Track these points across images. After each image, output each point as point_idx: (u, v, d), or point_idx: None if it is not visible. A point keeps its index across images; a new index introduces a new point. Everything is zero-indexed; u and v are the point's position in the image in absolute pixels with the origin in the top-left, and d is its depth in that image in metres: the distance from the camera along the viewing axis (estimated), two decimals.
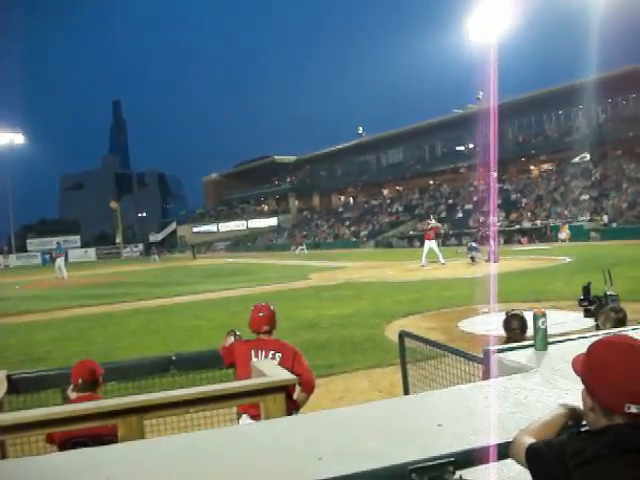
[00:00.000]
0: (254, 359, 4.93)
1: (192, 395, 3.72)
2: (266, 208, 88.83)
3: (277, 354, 5.06)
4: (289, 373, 4.08)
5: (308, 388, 5.00)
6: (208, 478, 1.93)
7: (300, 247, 51.61)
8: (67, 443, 3.79)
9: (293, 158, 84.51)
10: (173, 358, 5.16)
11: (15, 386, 4.60)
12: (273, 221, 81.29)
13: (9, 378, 4.59)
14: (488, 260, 25.89)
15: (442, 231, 38.74)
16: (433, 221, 30.57)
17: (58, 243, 50.18)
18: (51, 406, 4.27)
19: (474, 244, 28.67)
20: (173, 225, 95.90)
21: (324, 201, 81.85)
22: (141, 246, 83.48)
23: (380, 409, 2.89)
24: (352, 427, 2.50)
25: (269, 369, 4.11)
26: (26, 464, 2.44)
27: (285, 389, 3.84)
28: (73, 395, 4.28)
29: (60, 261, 38.09)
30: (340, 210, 74.88)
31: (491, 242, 26.92)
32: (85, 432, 3.64)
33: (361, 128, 76.10)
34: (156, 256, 60.09)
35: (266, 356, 5.04)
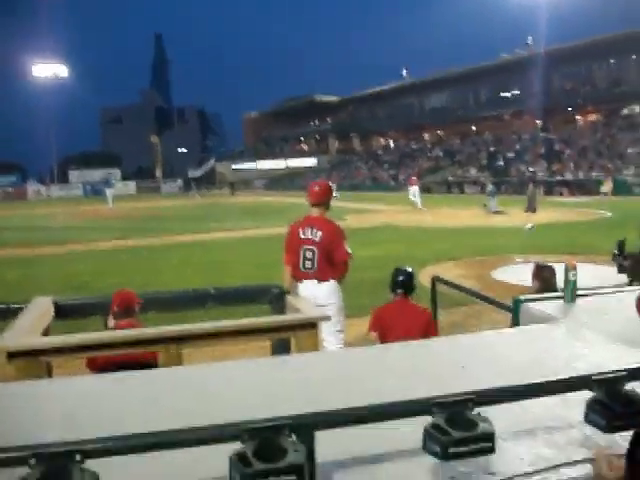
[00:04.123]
0: (300, 236, 5.87)
1: (228, 327, 3.88)
2: (305, 148, 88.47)
3: (318, 232, 5.85)
4: (321, 310, 4.20)
5: (341, 269, 5.91)
6: (241, 405, 2.06)
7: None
8: (108, 369, 3.97)
9: (335, 98, 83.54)
10: (212, 292, 5.30)
11: (61, 312, 4.81)
12: (312, 161, 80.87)
13: (56, 304, 4.80)
14: (527, 210, 25.65)
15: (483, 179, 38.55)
16: None
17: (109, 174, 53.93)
18: (92, 332, 4.45)
19: (492, 187, 28.10)
20: (212, 161, 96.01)
21: (364, 143, 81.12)
22: (180, 181, 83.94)
23: (406, 349, 3.00)
24: (378, 364, 2.62)
25: (303, 305, 4.24)
26: (67, 383, 2.59)
27: (316, 325, 3.97)
28: (111, 322, 4.47)
29: (110, 192, 41.06)
30: (380, 153, 74.21)
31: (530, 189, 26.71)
32: (126, 358, 3.81)
33: (405, 70, 74.80)
34: (196, 192, 60.46)
35: (309, 232, 5.88)
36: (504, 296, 4.75)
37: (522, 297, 3.59)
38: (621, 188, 38.80)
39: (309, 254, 5.83)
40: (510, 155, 53.03)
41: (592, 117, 56.00)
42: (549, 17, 55.90)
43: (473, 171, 52.36)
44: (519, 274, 10.30)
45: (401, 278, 5.79)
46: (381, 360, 2.75)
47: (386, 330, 5.57)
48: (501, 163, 52.00)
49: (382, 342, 5.45)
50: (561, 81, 57.14)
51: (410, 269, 5.95)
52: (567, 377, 1.78)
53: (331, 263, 5.85)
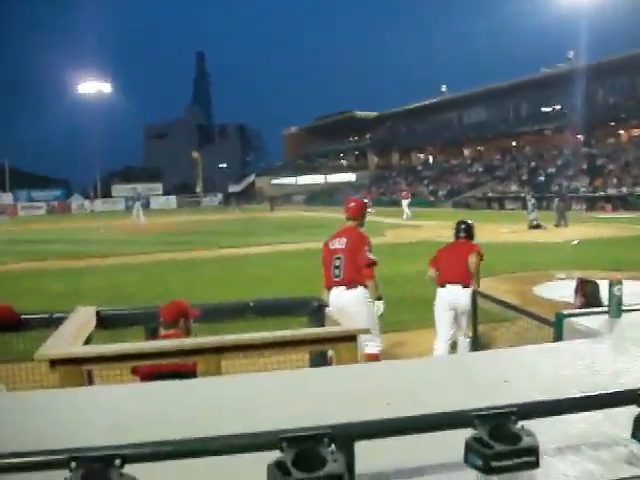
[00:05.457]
0: (330, 247, 6.35)
1: (266, 339, 3.89)
2: (345, 163, 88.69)
3: (344, 240, 6.30)
4: (362, 323, 4.21)
5: (366, 273, 6.16)
6: (280, 414, 2.06)
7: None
8: (150, 377, 4.03)
9: (374, 114, 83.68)
10: (251, 304, 5.34)
11: (103, 322, 4.89)
12: (351, 176, 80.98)
13: (98, 314, 4.88)
14: (558, 225, 25.82)
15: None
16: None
17: (134, 189, 53.40)
18: (133, 341, 4.53)
19: (533, 202, 27.66)
20: (252, 176, 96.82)
21: (403, 159, 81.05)
22: (220, 196, 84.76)
23: (448, 363, 2.97)
24: (419, 377, 2.60)
25: (343, 318, 4.24)
26: (107, 390, 2.63)
27: (355, 338, 3.96)
28: (161, 332, 4.55)
29: (137, 206, 41.13)
30: (419, 168, 74.01)
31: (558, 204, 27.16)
32: (167, 367, 3.86)
33: (444, 86, 74.66)
34: (235, 207, 60.97)
35: (337, 242, 6.34)
36: (546, 312, 4.69)
37: (565, 312, 3.54)
38: None
39: (337, 262, 6.22)
40: (551, 170, 52.41)
41: (636, 132, 55.08)
42: (590, 30, 55.36)
43: (513, 186, 51.83)
44: (561, 290, 10.12)
45: (462, 226, 7.38)
46: (422, 372, 2.72)
47: (440, 266, 7.11)
48: (542, 178, 51.38)
49: (439, 278, 7.01)
50: (604, 95, 56.35)
51: (470, 221, 7.58)
52: (612, 392, 1.74)
53: (358, 269, 6.14)
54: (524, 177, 53.55)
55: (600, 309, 3.67)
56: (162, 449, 1.41)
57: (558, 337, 3.48)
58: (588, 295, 5.15)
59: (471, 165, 65.56)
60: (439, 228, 27.68)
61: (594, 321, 3.36)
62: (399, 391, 2.36)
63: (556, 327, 3.54)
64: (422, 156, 79.37)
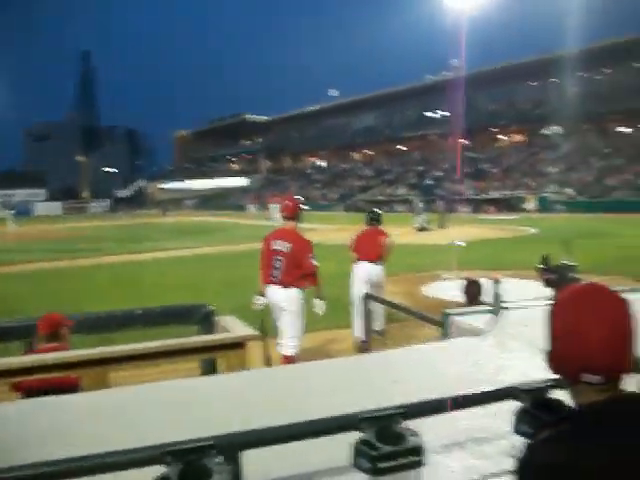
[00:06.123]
0: (272, 247, 6.58)
1: (154, 348, 3.78)
2: (236, 167, 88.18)
3: (287, 244, 6.52)
4: (250, 329, 4.17)
5: (310, 280, 6.54)
6: (166, 427, 2.00)
7: (255, 206, 48.48)
8: (32, 392, 3.83)
9: (265, 118, 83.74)
10: (139, 312, 5.18)
11: None
12: (242, 181, 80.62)
13: None
14: (441, 227, 27.14)
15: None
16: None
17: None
18: (13, 356, 4.30)
19: (421, 205, 29.33)
20: (141, 181, 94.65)
21: (295, 163, 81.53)
22: (108, 201, 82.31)
23: (339, 365, 2.98)
24: (311, 381, 2.59)
25: (232, 325, 4.18)
26: None
27: (243, 345, 3.91)
28: (40, 346, 4.33)
29: (8, 214, 39.92)
30: (310, 172, 74.64)
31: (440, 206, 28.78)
32: (50, 382, 3.68)
33: (334, 91, 75.62)
34: (124, 212, 59.38)
35: (279, 244, 6.55)
36: (434, 311, 4.80)
37: (451, 311, 3.63)
38: (544, 205, 40.15)
39: (278, 264, 6.50)
40: (438, 174, 54.19)
41: (516, 137, 57.87)
42: (473, 40, 57.51)
43: (402, 190, 53.20)
44: (448, 290, 10.46)
45: (372, 215, 9.22)
46: (311, 377, 2.72)
47: (357, 244, 8.83)
48: (429, 182, 53.04)
49: (356, 258, 8.65)
50: (485, 102, 58.85)
51: (378, 210, 9.66)
52: (495, 388, 1.78)
53: (297, 272, 6.47)
54: (412, 181, 55.11)
55: (484, 308, 3.79)
56: (38, 471, 1.34)
57: (445, 336, 3.58)
58: (472, 294, 5.32)
59: (362, 169, 66.77)
60: (331, 231, 28.01)
61: (478, 319, 3.47)
62: (288, 397, 2.34)
63: (443, 326, 3.63)
64: (314, 160, 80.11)
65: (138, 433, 1.80)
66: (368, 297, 5.32)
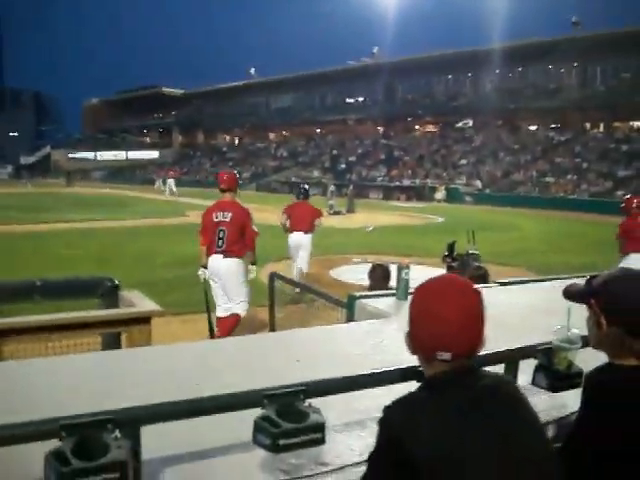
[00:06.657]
0: (214, 219, 6.96)
1: (53, 321, 3.65)
2: (148, 140, 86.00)
3: (228, 214, 6.94)
4: (154, 304, 4.09)
5: (250, 246, 7.00)
6: (64, 401, 1.94)
7: (164, 182, 44.05)
8: None
9: (181, 91, 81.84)
10: (37, 284, 4.96)
11: None
12: (154, 154, 78.61)
13: None
14: (349, 211, 27.63)
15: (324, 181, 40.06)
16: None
17: None
18: None
19: (333, 189, 29.96)
20: (47, 148, 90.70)
21: (209, 139, 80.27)
22: (10, 168, 78.49)
23: (244, 343, 2.98)
24: (217, 358, 2.58)
25: (137, 300, 4.09)
26: None
27: (149, 320, 3.84)
28: None
29: None
30: (224, 150, 73.75)
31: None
32: None
33: (253, 69, 74.81)
34: (28, 180, 56.84)
35: (221, 215, 6.96)
36: (342, 294, 4.85)
37: (357, 294, 3.69)
38: (453, 196, 41.21)
39: (221, 234, 6.90)
40: (352, 159, 54.68)
41: (430, 128, 58.98)
42: (396, 30, 58.26)
43: (316, 172, 53.41)
44: (356, 273, 10.60)
45: (302, 190, 11.01)
46: (217, 355, 2.70)
47: (291, 216, 10.40)
48: (343, 166, 53.46)
49: (290, 225, 10.35)
50: (403, 91, 59.64)
51: (307, 185, 12.41)
52: (395, 368, 1.82)
53: (241, 241, 6.94)
54: (326, 164, 55.37)
55: (389, 292, 3.87)
56: None
57: (350, 318, 3.63)
58: (379, 279, 5.41)
59: (276, 149, 66.54)
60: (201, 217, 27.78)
61: (383, 303, 3.54)
62: (192, 374, 2.33)
63: (348, 309, 3.68)
64: (228, 138, 79.11)
65: (33, 407, 1.75)
66: (274, 276, 5.32)
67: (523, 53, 46.95)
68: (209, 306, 6.97)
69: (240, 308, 6.89)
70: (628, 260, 8.54)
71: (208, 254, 7.03)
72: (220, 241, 6.91)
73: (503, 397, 1.59)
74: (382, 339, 2.86)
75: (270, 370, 2.37)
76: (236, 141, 76.64)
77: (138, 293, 4.49)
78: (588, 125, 48.08)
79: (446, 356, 1.51)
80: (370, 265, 5.89)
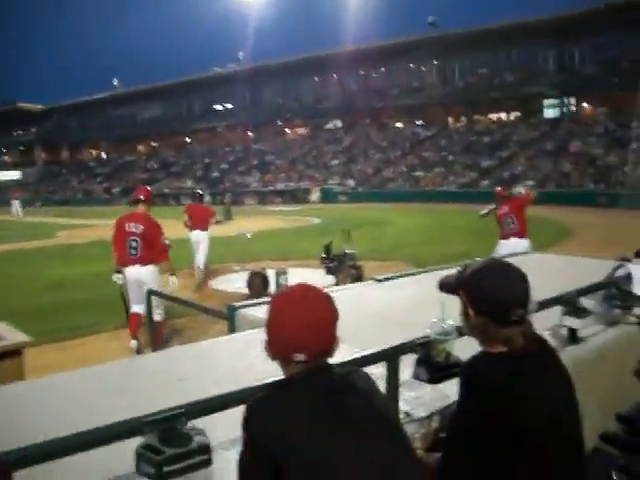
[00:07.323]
0: (126, 229, 7.37)
1: None
2: (8, 159, 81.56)
3: (140, 226, 7.33)
4: (24, 336, 3.90)
5: (163, 257, 7.50)
6: None
7: (16, 204, 41.92)
8: None
9: (40, 106, 78.09)
10: None
11: None
12: (16, 174, 74.50)
13: None
14: (227, 219, 27.50)
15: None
16: None
17: None
18: None
19: (207, 199, 30.02)
20: None
21: (75, 155, 77.18)
22: None
23: (124, 367, 2.88)
24: (96, 386, 2.48)
25: (6, 332, 3.87)
26: None
27: (20, 352, 3.63)
28: None
29: None
30: (92, 165, 71.27)
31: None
32: None
33: (116, 80, 72.78)
34: None
35: (133, 226, 7.35)
36: (222, 304, 4.80)
37: (236, 304, 3.65)
38: (328, 196, 41.88)
39: (134, 243, 7.32)
40: (224, 166, 54.39)
41: (300, 130, 59.60)
42: (261, 35, 58.36)
43: (189, 182, 52.70)
44: (237, 282, 10.54)
45: (197, 195, 13.27)
46: (93, 382, 2.59)
47: (192, 216, 12.27)
48: (216, 174, 53.08)
49: (190, 224, 12.21)
50: (271, 95, 59.88)
51: (200, 190, 14.19)
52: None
53: (151, 251, 7.34)
54: (199, 173, 54.77)
55: (269, 299, 3.85)
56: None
57: (232, 329, 3.59)
58: (257, 286, 5.40)
59: (146, 161, 65.10)
60: (112, 227, 27.00)
61: (263, 311, 3.51)
62: (65, 407, 2.22)
63: (229, 320, 3.64)
64: (95, 152, 76.40)
65: None
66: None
67: (386, 53, 48.50)
68: (127, 308, 7.42)
69: (158, 312, 6.95)
70: (499, 247, 9.04)
71: (122, 263, 7.42)
72: (133, 250, 7.32)
73: (355, 390, 1.67)
74: (263, 348, 2.84)
75: (150, 393, 2.30)
76: (104, 155, 74.11)
77: (5, 325, 4.23)
78: (451, 120, 50.28)
79: (301, 357, 1.61)
80: (248, 273, 5.86)
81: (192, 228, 12.25)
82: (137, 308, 7.37)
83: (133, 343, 7.10)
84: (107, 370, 2.81)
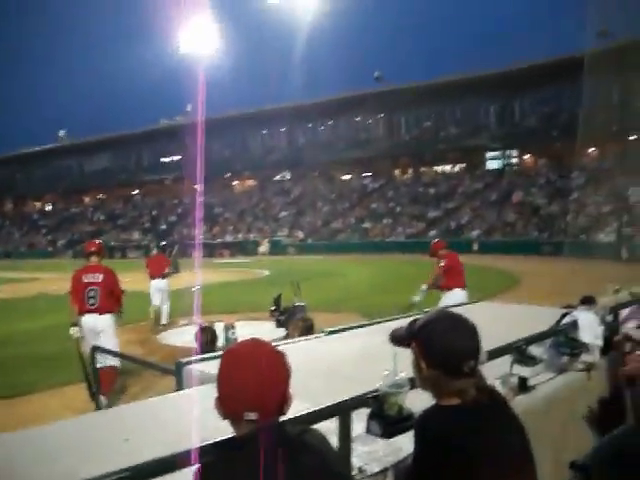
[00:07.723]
0: (83, 280, 7.51)
1: None
2: None
3: (99, 275, 7.60)
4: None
5: (118, 303, 7.77)
6: None
7: None
8: None
9: None
10: None
11: None
12: None
13: None
14: (176, 272, 27.22)
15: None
16: None
17: None
18: None
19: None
20: None
21: (19, 207, 75.66)
22: None
23: (68, 427, 2.77)
24: (34, 449, 2.37)
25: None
26: None
27: None
28: None
29: None
30: (35, 217, 69.98)
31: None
32: None
33: (62, 131, 72.07)
34: None
35: (91, 277, 7.56)
36: (170, 360, 4.71)
37: (184, 360, 3.58)
38: (277, 248, 41.91)
39: (92, 293, 7.49)
40: (172, 219, 54.06)
41: (249, 182, 59.86)
42: (209, 88, 58.58)
43: (136, 235, 52.15)
44: (184, 335, 10.37)
45: (161, 245, 16.18)
46: (36, 443, 2.48)
47: (150, 265, 13.86)
48: (164, 227, 52.68)
49: (150, 275, 13.49)
50: (219, 148, 60.11)
51: (164, 242, 18.65)
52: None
53: (111, 299, 7.61)
54: (146, 225, 54.29)
55: (217, 354, 3.79)
56: None
57: (180, 386, 3.51)
58: (205, 341, 5.31)
59: (93, 213, 64.29)
60: (58, 280, 26.42)
61: (213, 366, 3.45)
62: (25, 463, 2.12)
63: (177, 376, 3.56)
64: (39, 204, 75.07)
65: None
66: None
67: (333, 107, 49.40)
68: (84, 363, 6.74)
69: (114, 360, 7.06)
70: (444, 297, 9.09)
71: (79, 313, 7.44)
72: (92, 300, 7.46)
73: (310, 450, 1.65)
74: (212, 405, 2.78)
75: (96, 453, 2.21)
76: (48, 207, 72.83)
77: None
78: (398, 172, 51.25)
79: (252, 416, 1.58)
80: (196, 328, 5.77)
81: (151, 277, 13.47)
82: (112, 361, 7.22)
83: (103, 400, 6.70)
84: (49, 431, 2.70)
